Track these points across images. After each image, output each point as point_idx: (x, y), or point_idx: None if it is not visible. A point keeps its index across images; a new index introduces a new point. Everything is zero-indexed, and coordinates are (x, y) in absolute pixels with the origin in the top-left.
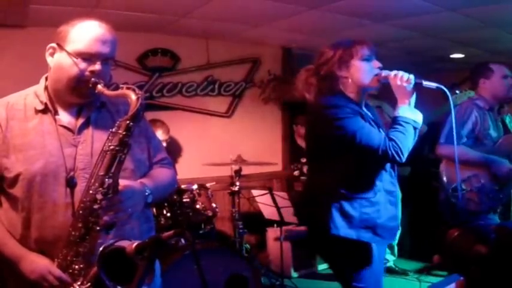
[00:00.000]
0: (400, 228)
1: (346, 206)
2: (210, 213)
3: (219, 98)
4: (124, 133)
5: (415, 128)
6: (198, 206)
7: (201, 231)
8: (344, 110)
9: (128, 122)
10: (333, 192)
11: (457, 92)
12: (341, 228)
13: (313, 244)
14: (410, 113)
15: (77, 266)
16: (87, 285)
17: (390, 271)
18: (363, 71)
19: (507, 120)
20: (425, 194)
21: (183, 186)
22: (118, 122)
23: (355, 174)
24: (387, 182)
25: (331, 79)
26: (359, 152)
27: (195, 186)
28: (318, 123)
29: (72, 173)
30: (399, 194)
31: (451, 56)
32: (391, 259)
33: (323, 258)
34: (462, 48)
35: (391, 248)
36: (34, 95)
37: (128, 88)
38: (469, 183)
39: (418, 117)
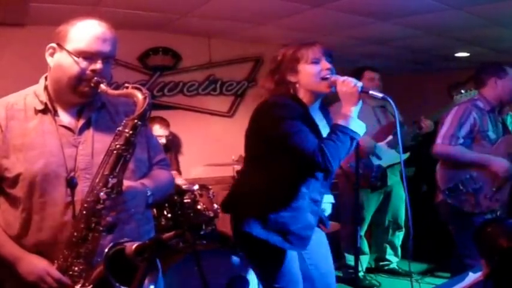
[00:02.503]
0: (403, 229)
1: (266, 207)
2: (211, 214)
3: (220, 98)
4: (131, 132)
5: (352, 138)
6: (199, 207)
7: (202, 232)
8: (286, 111)
9: (135, 121)
10: (258, 192)
11: (462, 91)
12: (254, 227)
13: (236, 241)
14: (350, 122)
15: (77, 268)
16: (88, 287)
17: (393, 272)
18: (309, 75)
19: (508, 120)
20: (430, 194)
21: (184, 187)
22: (125, 121)
23: (281, 177)
24: (315, 190)
25: (284, 84)
26: (290, 155)
27: (196, 187)
28: (260, 120)
29: (72, 173)
30: (403, 195)
31: (456, 54)
32: (394, 261)
33: (245, 255)
34: (467, 47)
35: (394, 249)
36: (34, 94)
37: (133, 87)
38: (466, 184)
39: (358, 127)
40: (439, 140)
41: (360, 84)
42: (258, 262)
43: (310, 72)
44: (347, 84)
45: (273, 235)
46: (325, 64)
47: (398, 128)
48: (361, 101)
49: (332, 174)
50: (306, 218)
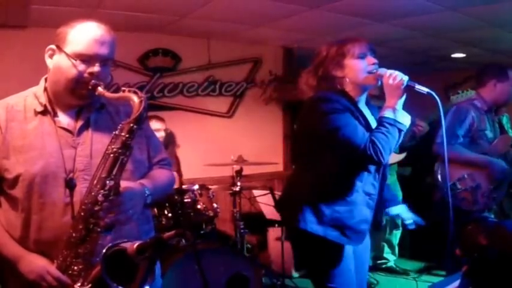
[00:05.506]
0: (400, 228)
1: (321, 202)
2: (211, 213)
3: (220, 98)
4: (127, 136)
5: (400, 130)
6: (199, 206)
7: (202, 232)
8: (333, 105)
9: (131, 125)
10: (311, 188)
11: (459, 92)
12: (309, 223)
13: (290, 240)
14: (397, 114)
15: (76, 267)
16: (87, 287)
17: (391, 271)
18: (356, 69)
19: (504, 120)
20: (426, 193)
21: (184, 187)
22: (121, 125)
23: (335, 171)
24: (368, 183)
25: (328, 79)
26: (340, 149)
27: (196, 187)
28: (306, 116)
29: (71, 174)
30: (400, 194)
31: (452, 55)
32: (391, 259)
33: (297, 254)
34: (463, 48)
35: (392, 247)
36: (33, 96)
37: (129, 91)
38: (464, 183)
39: (405, 119)
40: (439, 139)
41: (406, 78)
42: (313, 260)
43: (357, 67)
44: (394, 77)
45: (330, 230)
46: (370, 59)
47: (443, 124)
48: (405, 94)
49: (385, 167)
50: (362, 212)
